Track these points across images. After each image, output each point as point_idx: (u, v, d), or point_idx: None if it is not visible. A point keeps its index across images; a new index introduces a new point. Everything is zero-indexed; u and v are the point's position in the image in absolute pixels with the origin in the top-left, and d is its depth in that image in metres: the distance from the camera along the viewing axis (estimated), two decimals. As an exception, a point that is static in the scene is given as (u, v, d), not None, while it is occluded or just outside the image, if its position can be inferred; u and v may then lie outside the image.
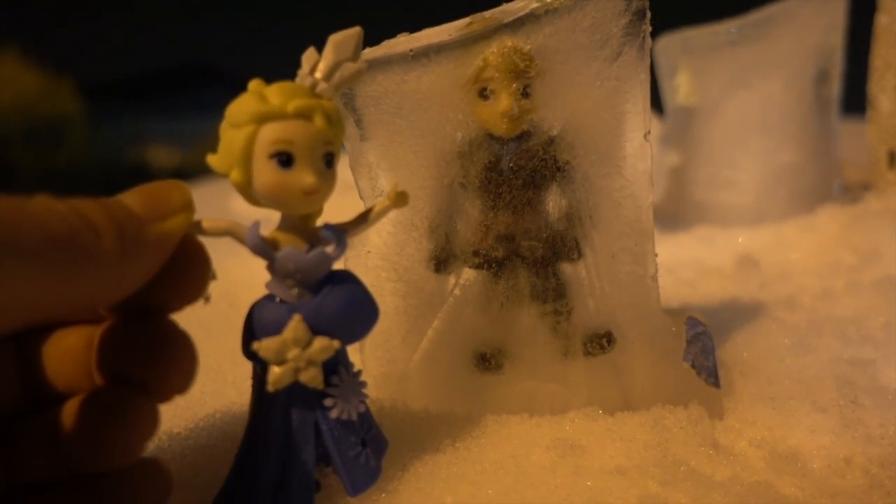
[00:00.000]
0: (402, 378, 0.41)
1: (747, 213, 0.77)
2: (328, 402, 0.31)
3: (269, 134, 0.28)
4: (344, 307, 0.31)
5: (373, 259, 0.40)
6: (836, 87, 0.77)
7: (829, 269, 0.61)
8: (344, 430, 0.31)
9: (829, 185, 0.79)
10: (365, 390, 0.32)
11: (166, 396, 0.30)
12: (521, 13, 0.35)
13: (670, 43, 0.80)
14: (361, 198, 0.39)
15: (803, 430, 0.37)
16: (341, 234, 0.31)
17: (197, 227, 0.30)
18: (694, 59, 0.79)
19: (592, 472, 0.34)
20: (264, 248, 0.30)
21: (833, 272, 0.60)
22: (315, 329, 0.30)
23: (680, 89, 0.81)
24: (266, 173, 0.29)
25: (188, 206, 0.29)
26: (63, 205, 0.25)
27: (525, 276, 0.38)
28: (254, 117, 0.28)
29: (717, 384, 0.39)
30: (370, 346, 0.41)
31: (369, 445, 0.32)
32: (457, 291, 0.39)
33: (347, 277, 0.32)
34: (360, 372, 0.32)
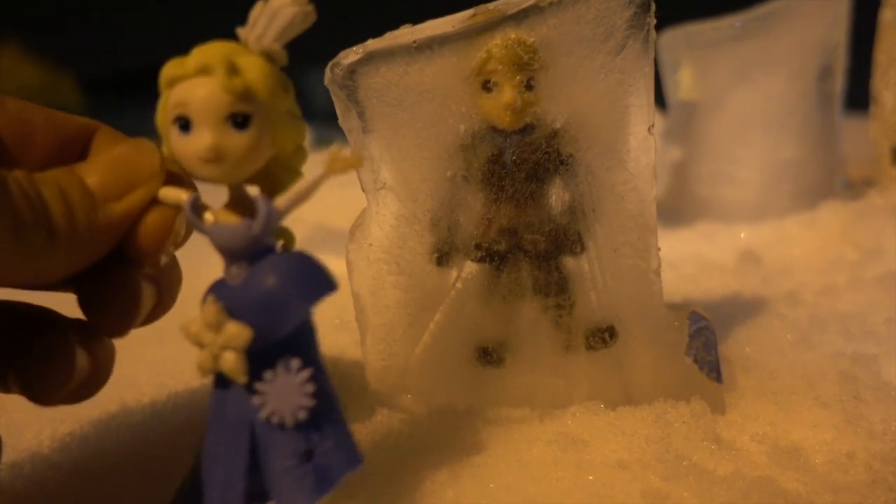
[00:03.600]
0: (404, 372, 0.41)
1: (749, 208, 0.77)
2: (256, 399, 0.27)
3: (171, 97, 0.27)
4: (260, 294, 0.27)
5: (374, 252, 0.39)
6: (839, 83, 0.77)
7: (831, 264, 0.61)
8: (278, 438, 0.27)
9: (831, 181, 0.79)
10: (310, 395, 0.27)
11: (103, 336, 0.30)
12: (525, 5, 0.35)
13: (673, 38, 0.80)
14: (364, 190, 0.39)
15: (805, 425, 0.37)
16: (267, 205, 0.27)
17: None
18: (697, 54, 0.79)
19: (594, 467, 0.34)
20: (195, 222, 0.28)
21: (835, 268, 0.60)
22: (232, 313, 0.27)
23: (683, 84, 0.81)
24: (172, 141, 0.27)
25: (155, 176, 0.28)
26: (30, 185, 0.25)
27: (527, 270, 0.38)
28: (164, 82, 0.27)
29: (719, 379, 0.39)
30: (371, 339, 0.41)
31: (318, 460, 0.28)
32: (459, 285, 0.39)
33: (284, 260, 0.28)
34: (311, 373, 0.28)
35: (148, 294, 0.30)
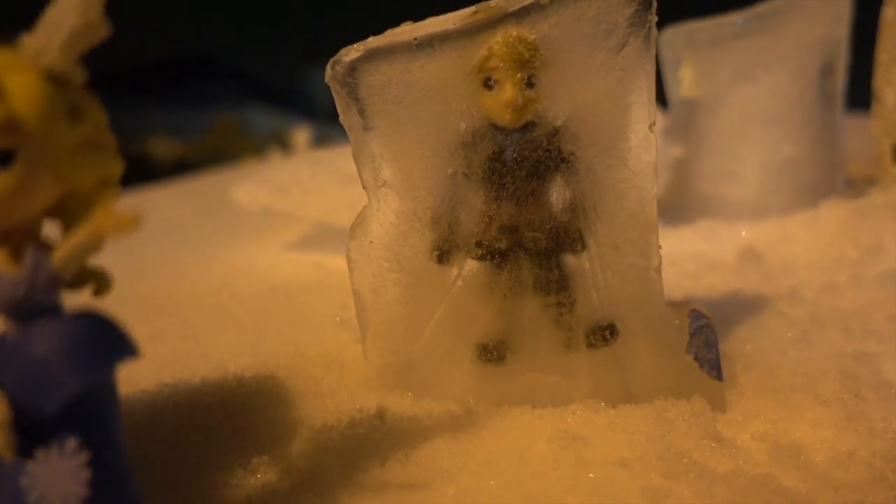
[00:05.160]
0: (405, 369, 0.41)
1: (750, 206, 0.77)
2: (24, 480, 0.24)
3: None
4: (26, 362, 0.23)
5: (375, 250, 0.39)
6: (840, 81, 0.77)
7: (832, 262, 0.61)
8: None
9: (832, 179, 0.79)
10: (85, 483, 0.24)
11: None
12: (527, 2, 0.35)
13: (675, 35, 0.80)
14: (364, 188, 0.39)
15: (806, 423, 0.37)
16: (35, 262, 0.23)
17: None
18: (698, 51, 0.79)
19: (595, 464, 0.34)
20: None
21: (836, 266, 0.60)
22: (0, 378, 0.24)
23: (684, 82, 0.81)
24: None
25: None
26: None
27: (528, 268, 0.38)
28: None
29: (719, 377, 0.39)
30: (372, 336, 0.41)
31: None
32: (459, 283, 0.39)
33: (60, 325, 0.24)
34: (90, 456, 0.24)
35: None
